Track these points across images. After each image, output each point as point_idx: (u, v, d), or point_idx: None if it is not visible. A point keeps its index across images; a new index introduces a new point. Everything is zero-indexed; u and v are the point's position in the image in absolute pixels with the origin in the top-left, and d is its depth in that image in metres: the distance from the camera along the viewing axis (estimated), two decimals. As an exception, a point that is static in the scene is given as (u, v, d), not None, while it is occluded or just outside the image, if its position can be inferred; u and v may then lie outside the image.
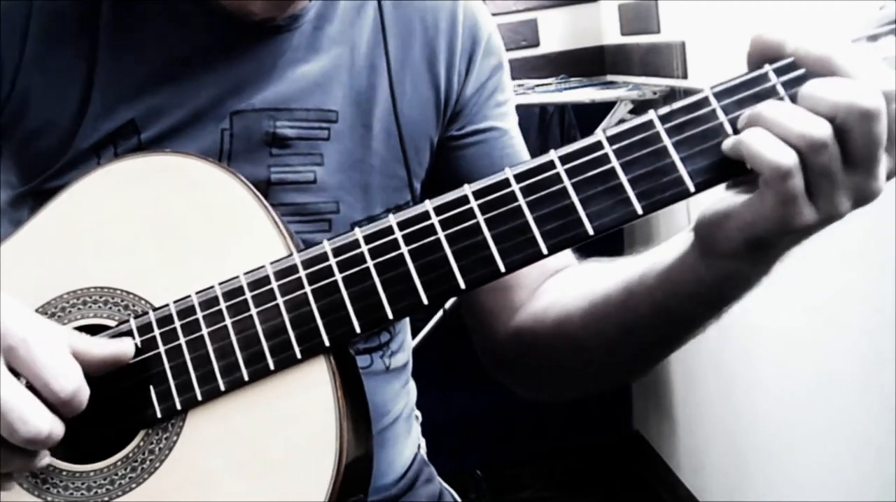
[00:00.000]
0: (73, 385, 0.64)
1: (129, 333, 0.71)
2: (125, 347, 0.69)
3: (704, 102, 0.63)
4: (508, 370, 0.92)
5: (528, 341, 0.86)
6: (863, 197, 0.61)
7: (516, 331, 0.87)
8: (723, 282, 0.68)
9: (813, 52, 0.60)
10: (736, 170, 0.62)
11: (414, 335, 1.96)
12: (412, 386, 1.02)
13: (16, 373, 0.63)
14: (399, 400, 0.96)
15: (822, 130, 0.58)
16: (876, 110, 0.58)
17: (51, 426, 0.63)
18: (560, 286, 0.86)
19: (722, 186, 0.65)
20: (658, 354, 0.82)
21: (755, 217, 0.61)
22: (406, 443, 0.98)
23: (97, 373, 0.67)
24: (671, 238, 0.72)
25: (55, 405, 0.64)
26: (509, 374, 0.92)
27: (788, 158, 0.59)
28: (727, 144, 0.62)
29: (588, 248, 0.73)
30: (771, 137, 0.59)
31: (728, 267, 0.66)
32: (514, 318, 0.87)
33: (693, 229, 0.68)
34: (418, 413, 1.05)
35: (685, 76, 2.08)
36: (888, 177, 0.62)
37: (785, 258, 0.66)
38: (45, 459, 0.66)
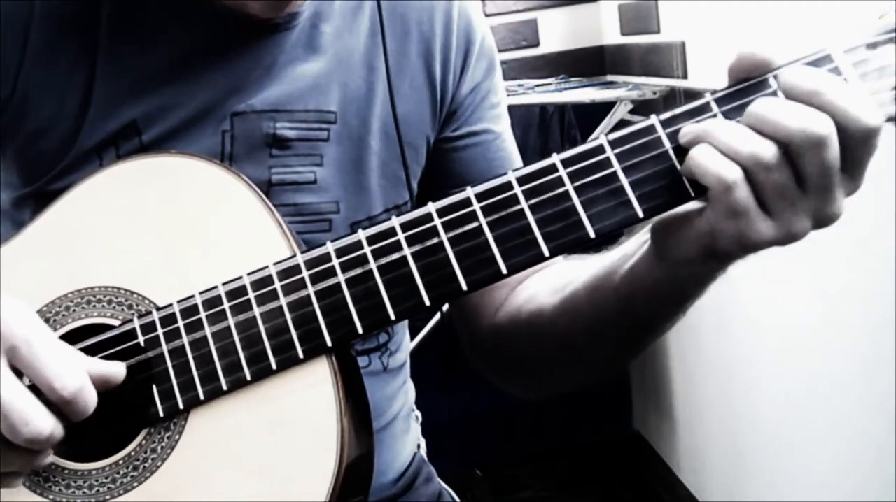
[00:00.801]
0: (76, 384, 0.64)
1: (132, 332, 0.71)
2: (115, 369, 0.69)
3: (706, 108, 0.63)
4: (494, 367, 0.92)
5: (507, 337, 0.87)
6: (822, 219, 0.61)
7: (497, 328, 0.88)
8: (679, 283, 0.69)
9: (802, 86, 0.59)
10: None
11: (413, 336, 1.95)
12: (410, 385, 1.02)
13: (18, 374, 0.64)
14: (397, 399, 0.97)
15: (768, 151, 0.59)
16: (825, 138, 0.58)
17: (52, 427, 0.64)
18: (538, 282, 0.87)
19: None
20: (630, 349, 0.83)
21: (710, 227, 0.62)
22: (405, 443, 0.98)
23: None
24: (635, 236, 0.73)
25: (58, 405, 0.64)
26: (496, 372, 0.93)
27: (731, 172, 0.59)
28: (685, 168, 0.62)
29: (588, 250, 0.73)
30: (714, 152, 0.60)
31: (683, 270, 0.67)
32: (496, 315, 0.88)
33: (650, 231, 0.68)
34: (418, 413, 1.05)
35: (685, 76, 2.08)
36: (847, 195, 0.62)
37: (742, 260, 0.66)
38: (49, 458, 0.67)
